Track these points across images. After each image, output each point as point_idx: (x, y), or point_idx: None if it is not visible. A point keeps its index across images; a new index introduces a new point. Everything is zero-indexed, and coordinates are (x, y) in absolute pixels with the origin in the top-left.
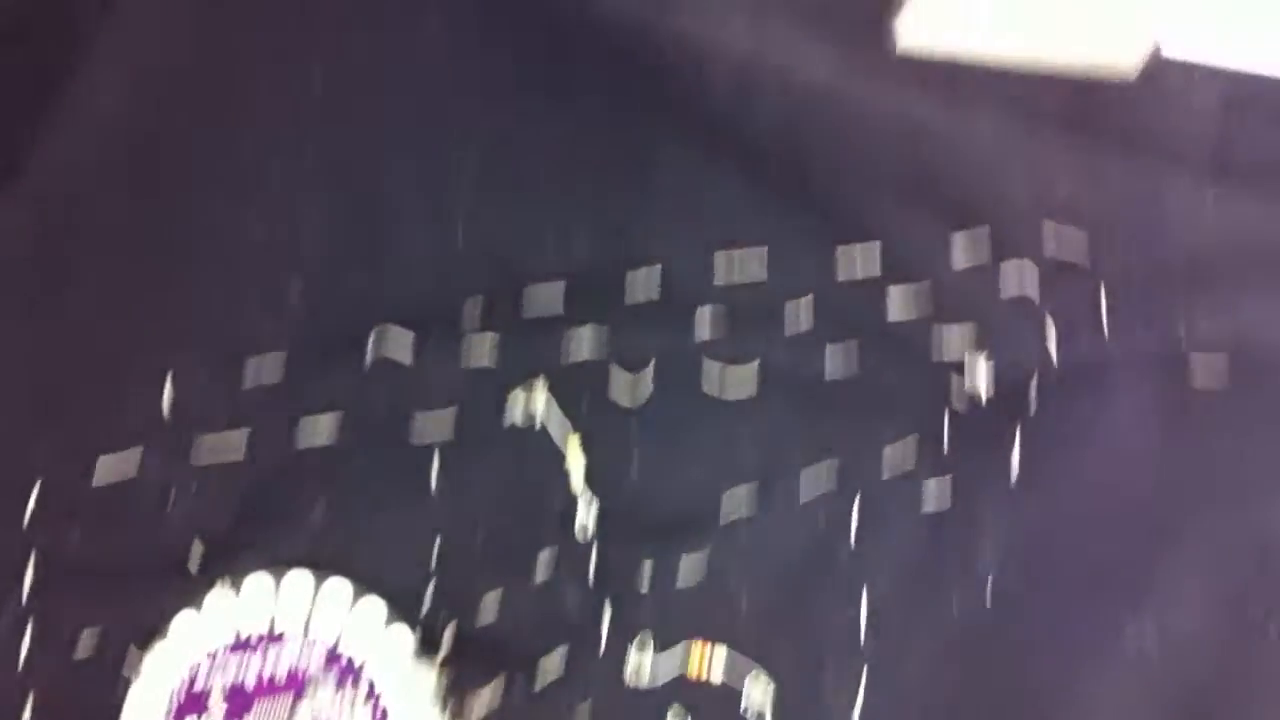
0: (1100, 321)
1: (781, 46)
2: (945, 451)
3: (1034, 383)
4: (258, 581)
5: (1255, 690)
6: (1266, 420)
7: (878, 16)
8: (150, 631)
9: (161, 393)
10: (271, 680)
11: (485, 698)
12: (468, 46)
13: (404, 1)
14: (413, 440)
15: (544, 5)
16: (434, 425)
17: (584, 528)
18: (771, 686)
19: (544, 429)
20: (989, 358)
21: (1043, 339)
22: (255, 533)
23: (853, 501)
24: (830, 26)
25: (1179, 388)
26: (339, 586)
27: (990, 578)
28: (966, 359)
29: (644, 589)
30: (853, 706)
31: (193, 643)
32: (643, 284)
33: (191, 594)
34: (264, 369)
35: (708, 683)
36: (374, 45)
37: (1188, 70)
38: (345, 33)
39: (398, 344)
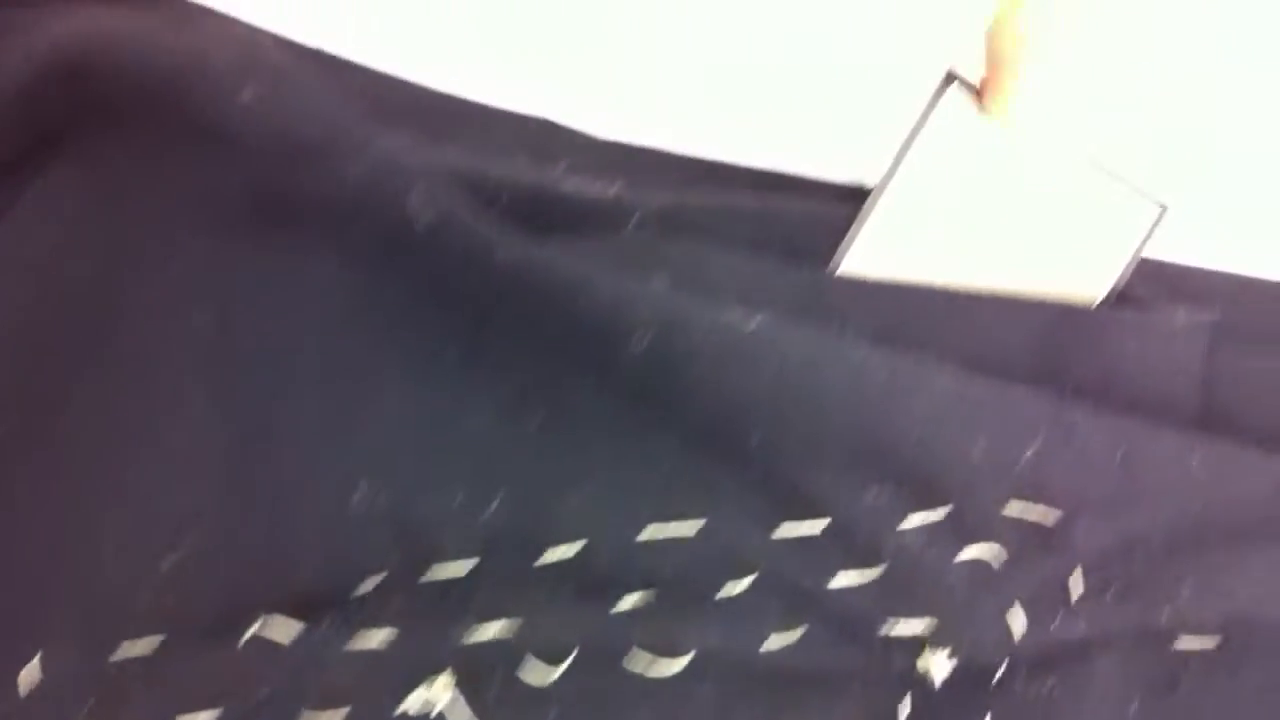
0: (1072, 603)
1: (709, 301)
2: None
3: (1002, 666)
4: None
5: None
6: (1256, 694)
7: (819, 254)
8: None
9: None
10: None
11: None
12: (378, 297)
13: (309, 250)
14: None
15: (459, 260)
16: None
17: None
18: None
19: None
20: (951, 655)
21: (1006, 627)
22: None
23: None
24: (764, 275)
25: (1163, 670)
26: None
27: None
28: (926, 652)
29: None
30: None
31: None
32: (563, 561)
33: None
34: (136, 650)
35: None
36: (272, 291)
37: (1170, 293)
38: (239, 277)
39: (283, 630)
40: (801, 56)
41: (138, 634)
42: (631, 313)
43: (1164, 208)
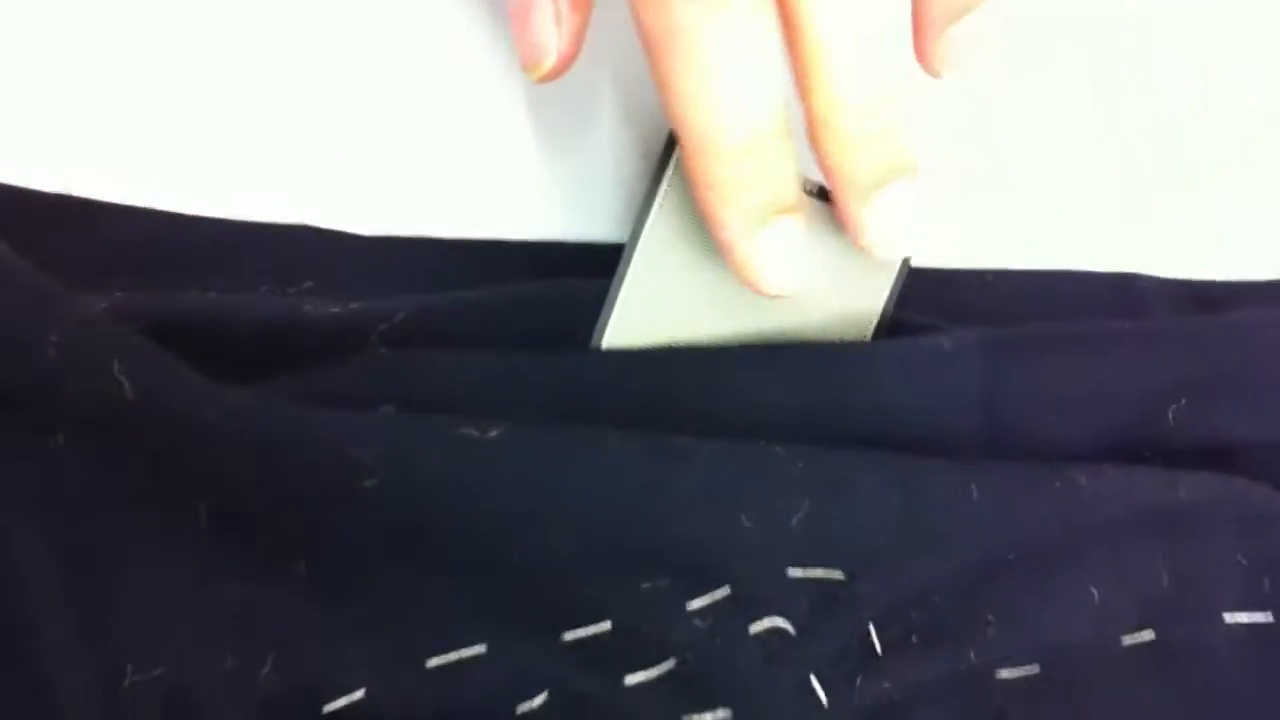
0: (876, 662)
1: (441, 419)
2: None
3: None
4: None
5: None
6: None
7: (577, 333)
8: None
9: None
10: None
11: None
12: (111, 475)
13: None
14: None
15: (178, 425)
16: None
17: None
18: None
19: None
20: None
21: (810, 700)
22: None
23: None
24: (514, 373)
25: (990, 705)
26: None
27: None
28: None
29: None
30: None
31: None
32: (346, 709)
33: None
34: None
35: None
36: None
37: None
38: None
39: None
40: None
41: None
42: (359, 450)
43: (907, 260)
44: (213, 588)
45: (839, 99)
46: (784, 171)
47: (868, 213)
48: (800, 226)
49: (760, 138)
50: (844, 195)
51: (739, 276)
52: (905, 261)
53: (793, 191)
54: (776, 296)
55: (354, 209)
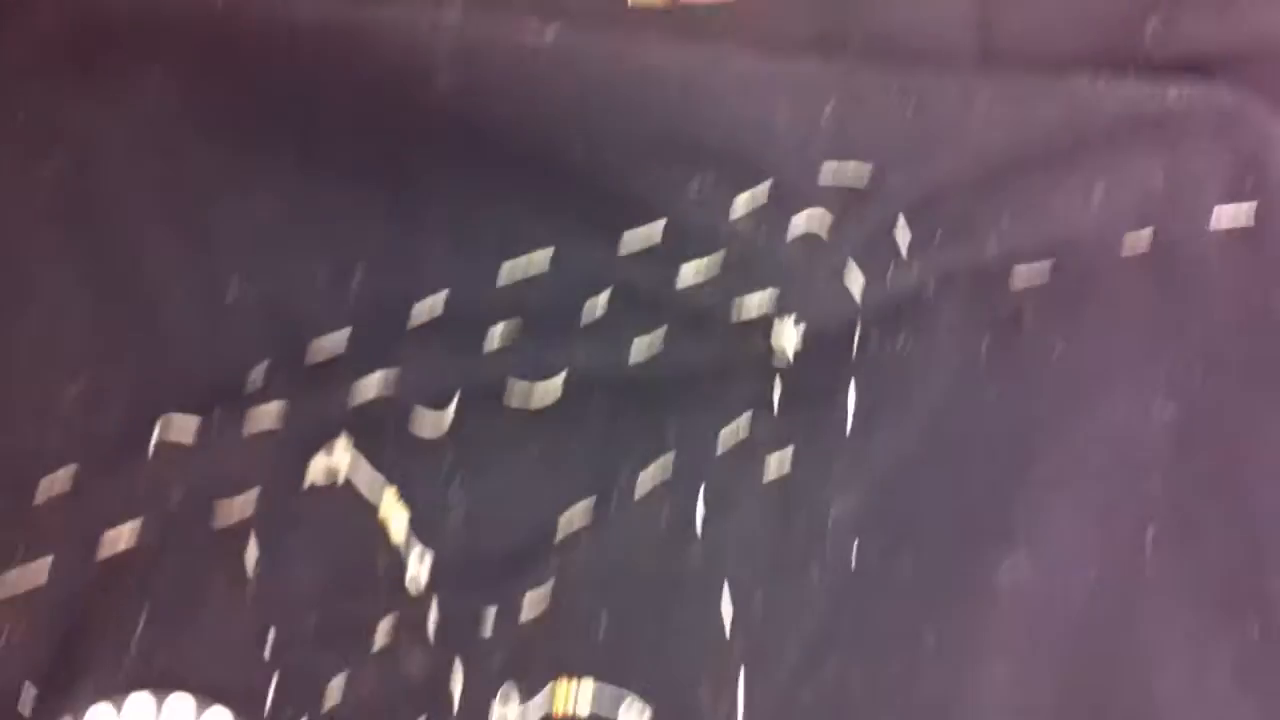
0: (903, 254)
1: (503, 20)
2: (776, 414)
3: (855, 328)
4: (100, 713)
5: (1142, 605)
6: (1096, 320)
7: None
8: None
9: None
10: None
11: None
12: (205, 103)
13: (131, 71)
14: (216, 525)
15: (263, 35)
16: (237, 506)
17: (415, 579)
18: (647, 711)
19: (349, 484)
20: (797, 321)
21: (845, 288)
22: (84, 661)
23: (692, 490)
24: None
25: (1004, 308)
26: (181, 702)
27: (849, 541)
28: (775, 324)
29: (489, 635)
30: (734, 713)
31: None
32: (432, 316)
33: None
34: (55, 484)
35: (575, 718)
36: (104, 120)
37: None
38: (70, 112)
39: (182, 429)
40: None
41: (52, 470)
42: (430, 50)
43: None
44: (303, 205)
45: None
46: None
47: None
48: None
49: None
50: None
51: None
52: None
53: None
54: None
55: None
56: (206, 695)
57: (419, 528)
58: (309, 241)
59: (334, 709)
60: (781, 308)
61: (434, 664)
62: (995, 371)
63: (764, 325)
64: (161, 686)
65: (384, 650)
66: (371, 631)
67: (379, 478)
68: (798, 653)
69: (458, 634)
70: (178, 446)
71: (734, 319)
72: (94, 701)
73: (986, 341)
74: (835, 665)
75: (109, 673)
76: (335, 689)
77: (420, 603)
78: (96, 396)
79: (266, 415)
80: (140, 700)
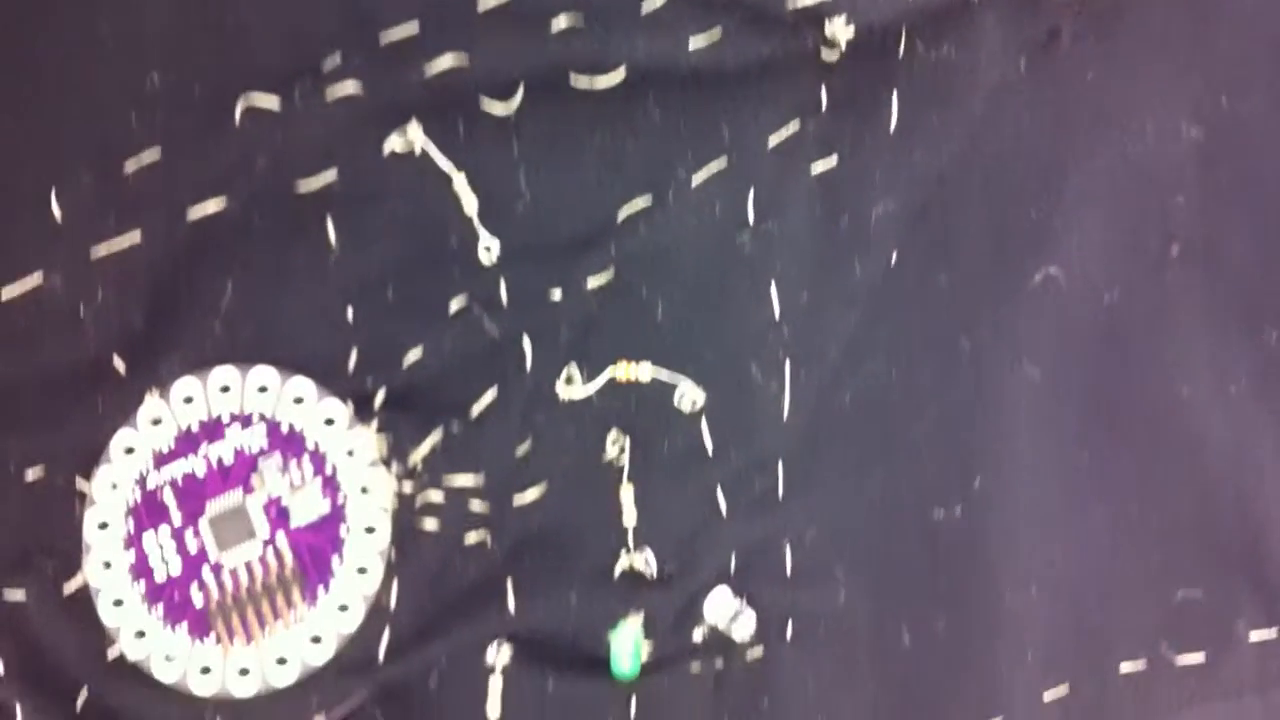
0: None
1: None
2: (824, 116)
3: (900, 31)
4: (186, 385)
5: (1166, 315)
6: (1129, 42)
7: None
8: (91, 459)
9: (49, 209)
10: (220, 464)
11: (425, 450)
12: None
13: None
14: (300, 191)
15: None
16: (319, 177)
17: (488, 249)
18: (701, 394)
19: (426, 156)
20: (847, 21)
21: None
22: (171, 333)
23: (743, 188)
24: None
25: (1041, 19)
26: (265, 373)
27: (890, 243)
28: (825, 23)
29: (555, 312)
30: (782, 403)
31: (135, 456)
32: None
33: (124, 409)
34: (142, 162)
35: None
36: None
37: None
38: None
39: (265, 102)
40: None
41: (138, 150)
42: None
43: None
44: None
45: None
46: None
47: None
48: None
49: None
50: None
51: None
52: None
53: None
54: None
55: None
56: (289, 367)
57: (486, 216)
58: None
59: (411, 378)
60: (832, 8)
61: (504, 336)
62: (1032, 89)
63: (816, 23)
64: (246, 360)
65: (458, 317)
66: (446, 304)
67: (448, 164)
68: (839, 352)
69: (526, 308)
70: (262, 115)
71: (788, 7)
72: (179, 376)
73: (1024, 59)
74: (873, 366)
75: (195, 345)
76: (412, 358)
77: (492, 279)
78: (178, 81)
79: (344, 89)
80: (224, 373)
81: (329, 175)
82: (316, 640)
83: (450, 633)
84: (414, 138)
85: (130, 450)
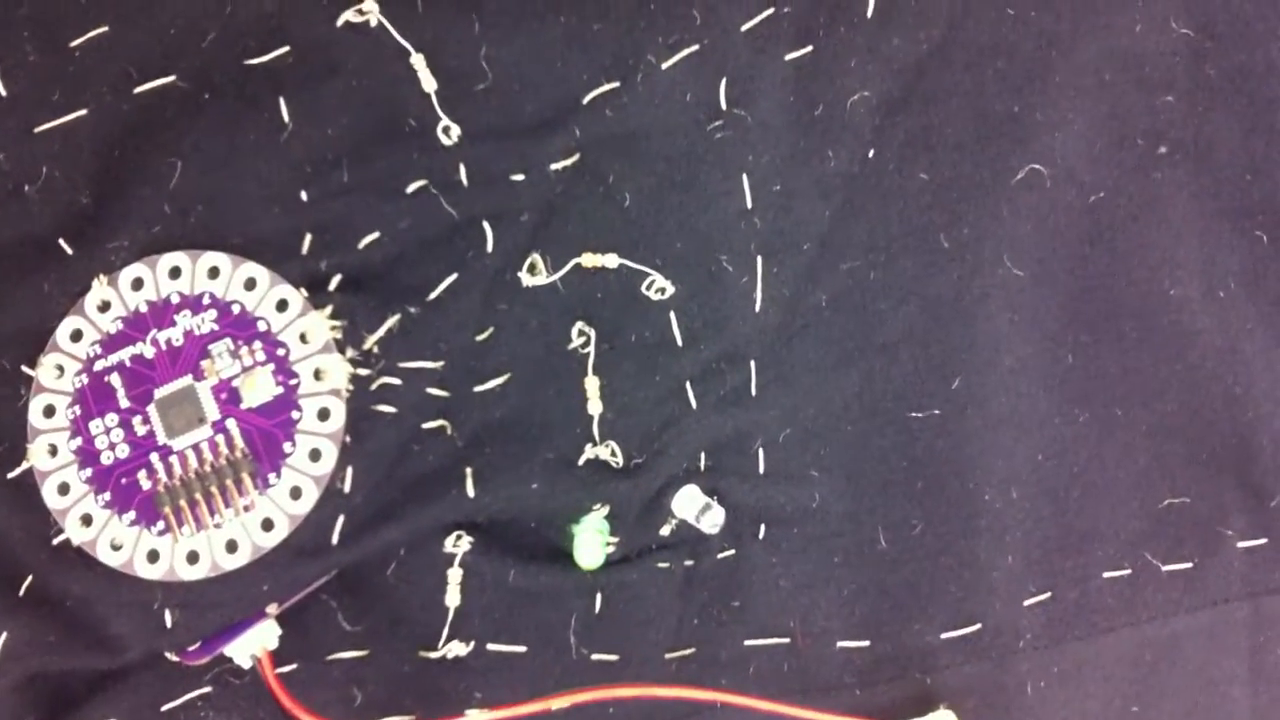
0: None
1: None
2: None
3: None
4: (134, 271)
5: (1153, 211)
6: None
7: None
8: (38, 344)
9: None
10: (170, 346)
11: (380, 334)
12: None
13: None
14: (251, 65)
15: None
16: (271, 48)
17: (447, 130)
18: (670, 287)
19: (383, 29)
20: None
21: None
22: (119, 211)
23: (715, 75)
24: None
25: None
26: (217, 259)
27: (866, 135)
28: None
29: (517, 198)
30: (754, 295)
31: (83, 340)
32: None
33: (70, 292)
34: (89, 38)
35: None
36: None
37: None
38: None
39: None
40: None
41: (84, 26)
42: None
43: None
44: None
45: None
46: None
47: None
48: None
49: None
50: None
51: None
52: None
53: None
54: None
55: None
56: (240, 251)
57: (445, 96)
58: None
59: (366, 261)
60: None
61: (464, 218)
62: None
63: None
64: (196, 244)
65: (415, 198)
66: (404, 183)
67: (406, 46)
68: (814, 247)
69: (486, 190)
70: None
71: None
72: (128, 263)
73: None
74: (850, 263)
75: (144, 226)
76: (368, 240)
77: (451, 157)
78: None
79: None
80: (174, 258)
81: (281, 49)
82: (268, 525)
83: (407, 517)
84: (369, 9)
85: (78, 334)
